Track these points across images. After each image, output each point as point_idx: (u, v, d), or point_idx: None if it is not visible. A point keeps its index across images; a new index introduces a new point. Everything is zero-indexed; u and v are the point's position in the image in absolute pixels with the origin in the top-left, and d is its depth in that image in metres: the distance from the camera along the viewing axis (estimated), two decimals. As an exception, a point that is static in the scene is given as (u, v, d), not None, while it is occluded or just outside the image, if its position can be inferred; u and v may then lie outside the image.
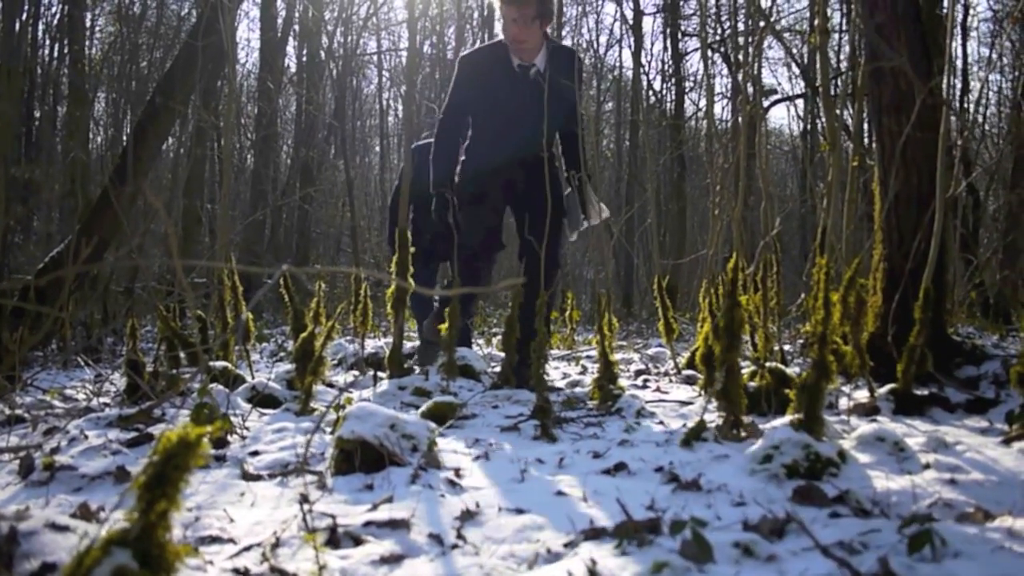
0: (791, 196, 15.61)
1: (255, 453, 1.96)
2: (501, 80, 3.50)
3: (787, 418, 1.90)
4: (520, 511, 1.44)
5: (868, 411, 2.41)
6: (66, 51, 12.05)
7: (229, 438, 2.11)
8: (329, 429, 2.03)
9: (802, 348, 3.94)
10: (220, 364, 3.03)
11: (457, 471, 1.72)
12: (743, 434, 2.04)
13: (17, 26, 10.86)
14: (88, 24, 13.02)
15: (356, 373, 3.74)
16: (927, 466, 1.67)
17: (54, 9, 12.74)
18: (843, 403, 2.50)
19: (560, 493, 1.56)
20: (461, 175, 3.56)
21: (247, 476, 1.74)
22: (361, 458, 1.66)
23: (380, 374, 3.25)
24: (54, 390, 2.97)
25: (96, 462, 1.82)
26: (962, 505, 1.41)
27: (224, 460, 1.89)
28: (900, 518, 1.30)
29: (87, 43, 12.73)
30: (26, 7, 11.15)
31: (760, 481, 1.60)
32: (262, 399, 2.73)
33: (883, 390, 2.50)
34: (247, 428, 2.25)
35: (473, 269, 3.52)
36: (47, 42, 13.35)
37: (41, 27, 12.96)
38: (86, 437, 2.10)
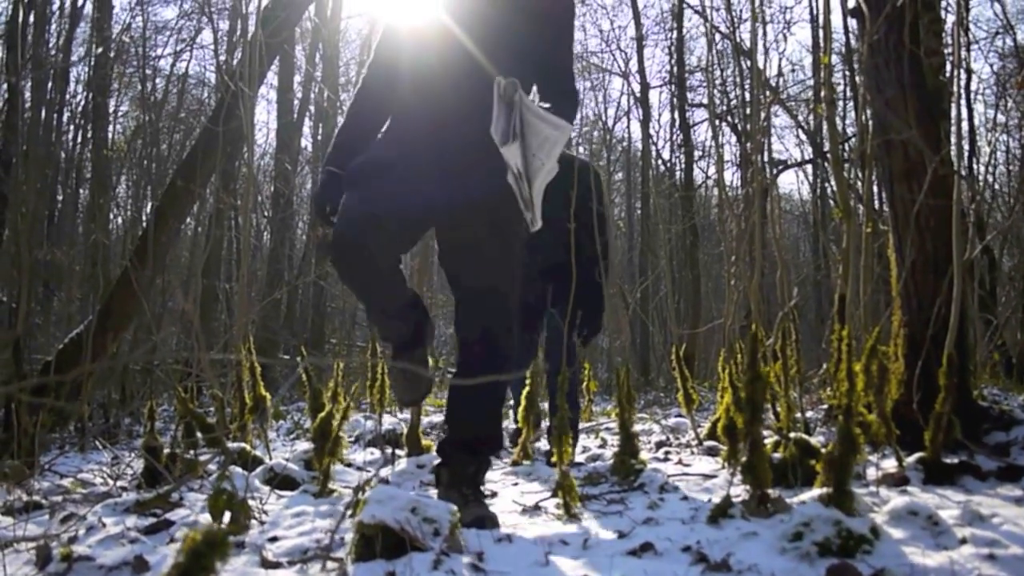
0: (804, 261, 15.62)
1: (274, 539, 1.93)
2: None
3: (815, 492, 1.87)
4: (546, 597, 1.40)
5: (897, 481, 2.36)
6: (90, 135, 12.42)
7: (248, 523, 2.09)
8: (349, 512, 2.00)
9: (825, 415, 3.89)
10: (237, 445, 3.01)
11: (480, 555, 1.69)
12: (771, 509, 2.00)
13: (43, 113, 11.24)
14: (111, 109, 13.45)
15: (373, 451, 3.71)
16: (963, 540, 1.62)
17: (79, 97, 13.18)
18: (871, 473, 2.45)
19: (586, 577, 1.52)
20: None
21: (266, 564, 1.71)
22: (382, 544, 1.63)
23: (398, 452, 3.22)
24: (75, 484, 2.96)
25: (114, 551, 1.80)
26: (1003, 583, 1.36)
27: (243, 547, 1.86)
28: (940, 599, 1.26)
29: (110, 128, 13.13)
30: (52, 95, 11.54)
31: (791, 560, 1.55)
32: (280, 480, 2.71)
33: (912, 459, 2.45)
34: (266, 512, 2.23)
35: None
36: (71, 128, 13.76)
37: (67, 114, 13.38)
38: (104, 525, 2.08)
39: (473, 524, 1.91)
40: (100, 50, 11.16)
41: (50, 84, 10.85)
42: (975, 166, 8.76)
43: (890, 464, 2.51)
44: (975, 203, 6.83)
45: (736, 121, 10.77)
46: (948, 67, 3.50)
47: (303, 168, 15.29)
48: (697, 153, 14.19)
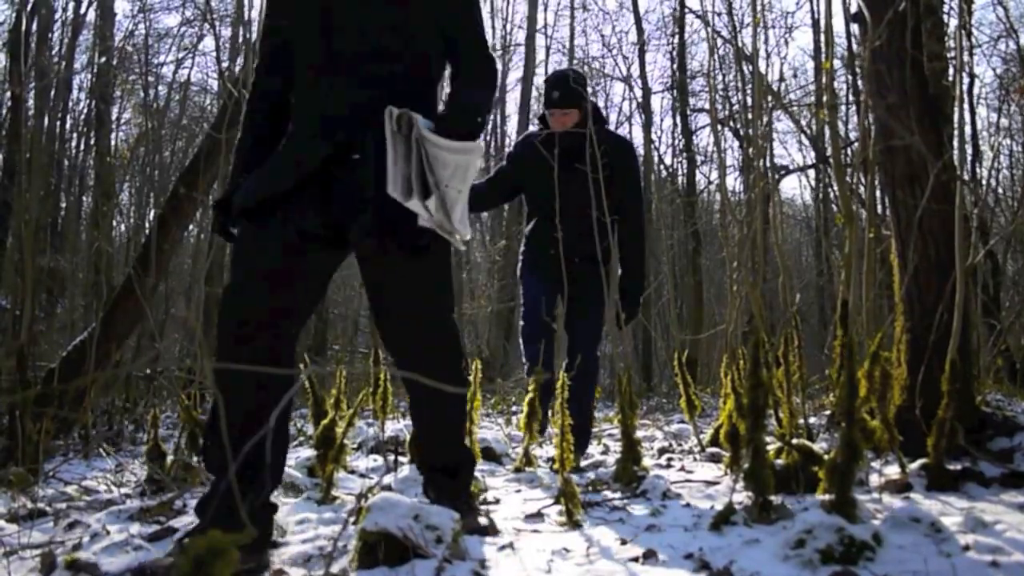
0: (807, 266, 15.61)
1: (277, 546, 1.93)
2: None
3: (818, 498, 1.86)
4: (549, 605, 1.40)
5: (900, 488, 2.35)
6: (92, 143, 12.46)
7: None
8: (352, 519, 2.00)
9: (828, 421, 3.88)
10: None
11: (482, 562, 1.69)
12: (773, 516, 2.00)
13: (47, 121, 11.29)
14: (114, 116, 13.49)
15: (376, 457, 3.71)
16: (967, 547, 1.62)
17: (82, 104, 13.23)
18: (874, 479, 2.44)
19: (589, 584, 1.52)
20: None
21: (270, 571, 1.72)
22: (385, 551, 1.63)
23: (401, 459, 3.22)
24: (79, 491, 2.96)
25: (118, 559, 1.81)
26: (1006, 590, 1.36)
27: (246, 554, 1.87)
28: (943, 606, 1.26)
29: (113, 135, 13.17)
30: (55, 103, 11.58)
31: (794, 567, 1.55)
32: (283, 487, 2.71)
33: (914, 465, 2.44)
34: (269, 519, 2.22)
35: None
36: (74, 136, 13.81)
37: (69, 122, 13.44)
38: (108, 532, 2.09)
39: (472, 534, 1.90)
40: (103, 59, 11.20)
41: (53, 92, 10.89)
42: (978, 170, 8.75)
43: (893, 470, 2.51)
44: (978, 207, 6.83)
45: (738, 126, 10.77)
46: (951, 71, 3.51)
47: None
48: (699, 158, 14.20)
